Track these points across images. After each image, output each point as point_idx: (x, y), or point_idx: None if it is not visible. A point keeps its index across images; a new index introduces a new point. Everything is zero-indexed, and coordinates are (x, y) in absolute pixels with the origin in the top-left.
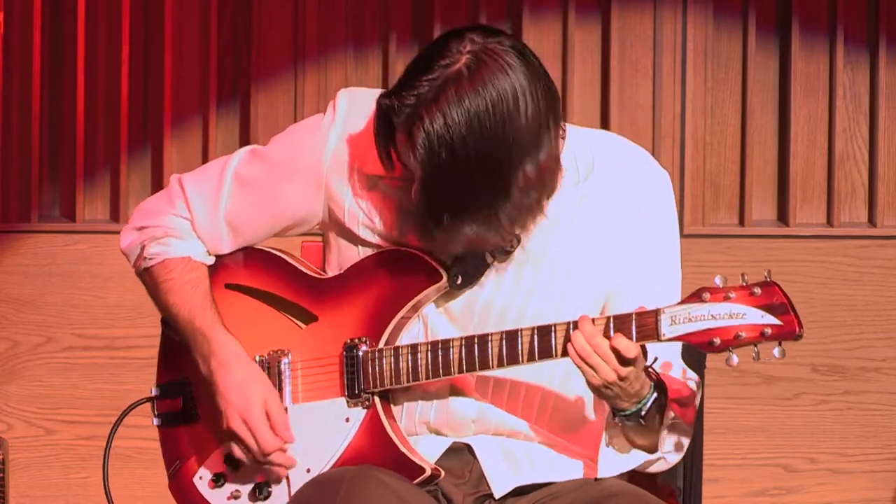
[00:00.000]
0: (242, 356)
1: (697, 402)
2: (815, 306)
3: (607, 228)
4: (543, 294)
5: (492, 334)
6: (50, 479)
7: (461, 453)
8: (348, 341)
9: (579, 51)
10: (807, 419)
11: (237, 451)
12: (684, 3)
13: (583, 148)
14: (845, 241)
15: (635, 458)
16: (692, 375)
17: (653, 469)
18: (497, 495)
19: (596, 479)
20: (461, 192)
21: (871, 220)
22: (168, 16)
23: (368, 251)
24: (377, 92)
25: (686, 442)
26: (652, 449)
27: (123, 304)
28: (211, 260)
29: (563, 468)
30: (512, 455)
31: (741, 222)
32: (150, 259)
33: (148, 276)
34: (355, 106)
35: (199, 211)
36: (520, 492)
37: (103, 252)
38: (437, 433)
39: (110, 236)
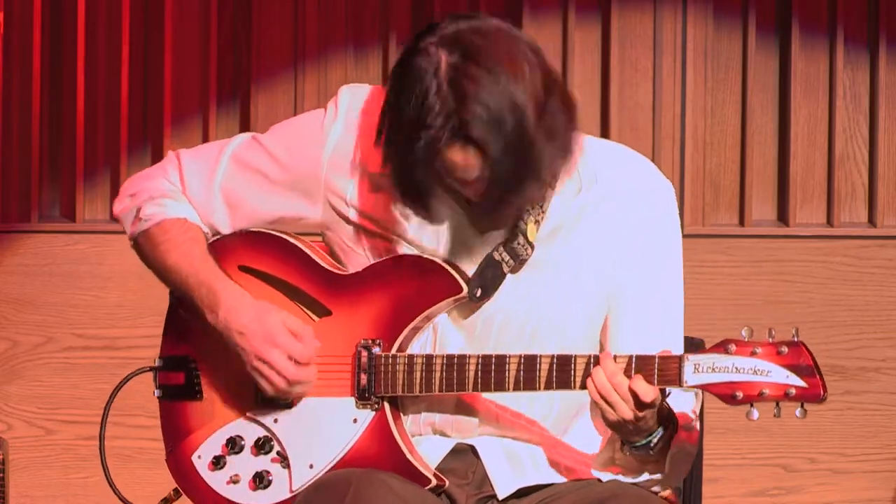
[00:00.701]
0: (249, 298)
1: (698, 412)
2: (815, 306)
3: (610, 238)
4: (547, 302)
5: (510, 356)
6: (50, 479)
7: (465, 454)
8: (362, 341)
9: (579, 51)
10: (807, 419)
11: (268, 381)
12: (684, 3)
13: (586, 157)
14: (845, 241)
15: (637, 478)
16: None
17: (656, 489)
18: (500, 496)
19: (598, 480)
20: (527, 155)
21: (871, 220)
22: (168, 16)
23: (373, 243)
24: (379, 88)
25: (689, 463)
26: (657, 470)
27: (123, 304)
28: (206, 227)
29: (568, 470)
30: (516, 456)
31: (741, 222)
32: (146, 220)
33: (144, 240)
34: (358, 102)
35: (192, 179)
36: (523, 493)
37: (103, 252)
38: (441, 433)
39: (110, 236)
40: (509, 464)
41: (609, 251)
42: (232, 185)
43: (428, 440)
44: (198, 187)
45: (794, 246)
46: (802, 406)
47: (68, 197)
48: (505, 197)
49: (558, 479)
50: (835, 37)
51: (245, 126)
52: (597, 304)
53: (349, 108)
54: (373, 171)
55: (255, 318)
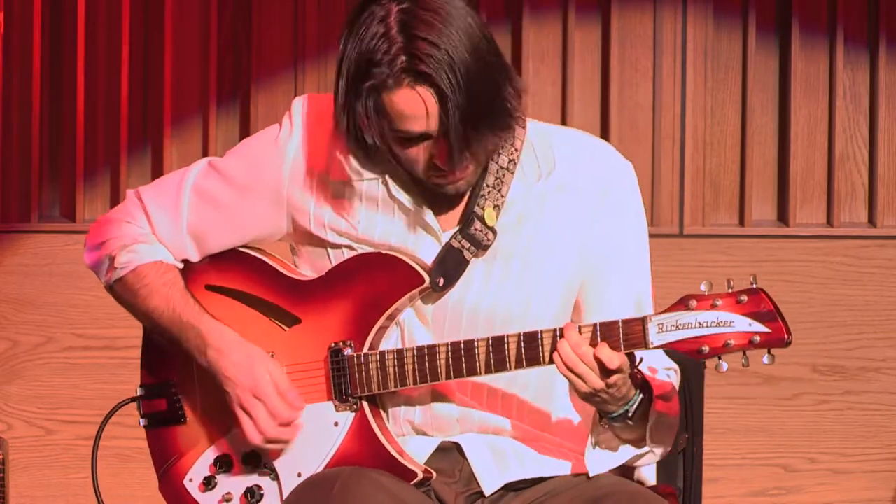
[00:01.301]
0: (236, 339)
1: (677, 388)
2: (814, 306)
3: (574, 221)
4: (514, 289)
5: (478, 341)
6: (50, 479)
7: (450, 453)
8: (333, 345)
9: (579, 51)
10: (807, 419)
11: (247, 431)
12: (684, 3)
13: (543, 144)
14: (845, 241)
15: (624, 454)
16: (671, 364)
17: (641, 462)
18: (487, 493)
19: (592, 477)
20: (487, 95)
21: (871, 220)
22: (168, 16)
23: (339, 253)
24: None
25: (672, 434)
26: (639, 442)
27: None
28: (180, 264)
29: (552, 463)
30: (501, 452)
31: (741, 222)
32: (121, 268)
33: (121, 287)
34: (313, 112)
35: (160, 222)
36: (513, 489)
37: None
38: (423, 434)
39: None
40: (494, 460)
41: (574, 234)
42: (197, 220)
43: (412, 440)
44: (167, 229)
45: (794, 246)
46: (769, 352)
47: (68, 197)
48: (470, 135)
49: (544, 472)
50: (835, 37)
51: (245, 126)
52: (565, 286)
53: (304, 118)
54: (333, 179)
55: (244, 366)
